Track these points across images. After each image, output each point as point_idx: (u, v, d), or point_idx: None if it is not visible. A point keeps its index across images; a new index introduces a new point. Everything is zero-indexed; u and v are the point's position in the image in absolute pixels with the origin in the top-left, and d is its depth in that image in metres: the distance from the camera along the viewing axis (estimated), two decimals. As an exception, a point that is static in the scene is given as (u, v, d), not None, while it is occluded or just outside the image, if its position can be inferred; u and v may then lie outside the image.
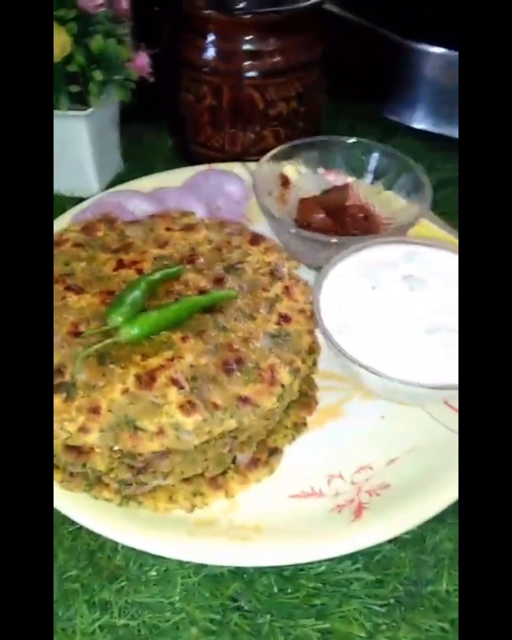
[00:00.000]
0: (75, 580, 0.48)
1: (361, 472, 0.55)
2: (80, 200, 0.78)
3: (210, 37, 0.79)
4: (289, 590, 0.48)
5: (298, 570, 0.49)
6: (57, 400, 0.50)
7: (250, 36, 0.79)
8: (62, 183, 0.81)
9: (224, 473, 0.53)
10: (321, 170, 0.81)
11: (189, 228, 0.66)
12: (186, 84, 0.83)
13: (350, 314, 0.60)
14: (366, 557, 0.50)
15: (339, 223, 0.75)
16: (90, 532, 0.49)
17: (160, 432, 0.48)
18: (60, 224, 0.71)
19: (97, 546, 0.50)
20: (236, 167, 0.83)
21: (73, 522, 0.50)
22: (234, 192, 0.81)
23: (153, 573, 0.48)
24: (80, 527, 0.50)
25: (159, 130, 0.95)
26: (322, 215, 0.75)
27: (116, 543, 0.49)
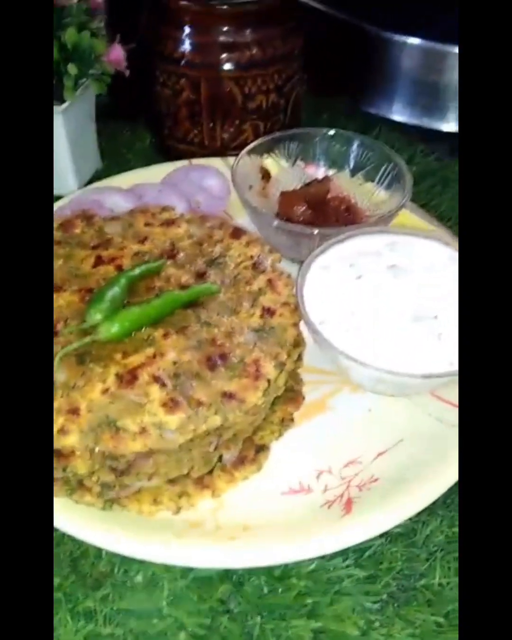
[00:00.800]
0: (57, 589, 0.45)
1: (350, 466, 0.52)
2: (58, 198, 0.74)
3: (186, 29, 0.76)
4: (280, 590, 0.45)
5: (288, 569, 0.46)
6: (35, 402, 0.47)
7: (227, 27, 0.76)
8: (40, 181, 0.77)
9: (210, 472, 0.50)
10: (300, 163, 0.79)
11: (169, 223, 0.63)
12: (163, 78, 0.79)
13: (335, 305, 0.57)
14: (357, 552, 0.47)
15: (321, 216, 0.72)
16: (73, 539, 0.46)
17: (143, 431, 0.46)
18: (37, 222, 0.68)
19: (80, 553, 0.47)
20: (216, 162, 0.80)
21: (55, 529, 0.47)
22: (214, 187, 0.78)
23: (139, 578, 0.45)
24: (63, 534, 0.47)
25: (137, 127, 0.91)
26: (303, 208, 0.72)
27: (100, 548, 0.46)
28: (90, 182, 0.81)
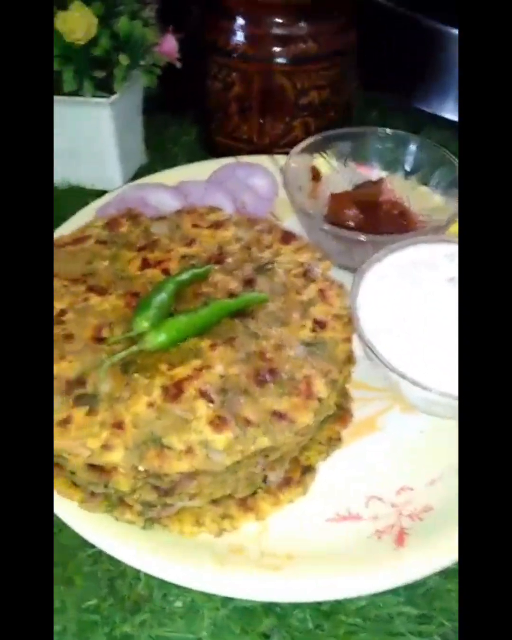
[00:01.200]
0: (94, 611, 0.42)
1: (401, 493, 0.48)
2: (102, 193, 0.71)
3: (239, 21, 0.71)
4: (326, 627, 0.42)
5: (336, 603, 0.43)
6: (79, 414, 0.43)
7: (280, 19, 0.71)
8: (84, 174, 0.74)
9: (254, 493, 0.46)
10: (352, 163, 0.73)
11: (217, 225, 0.59)
12: (214, 71, 0.75)
13: (390, 320, 0.53)
14: (410, 589, 0.43)
15: (372, 220, 0.67)
16: (111, 557, 0.43)
17: (189, 450, 0.42)
18: (82, 217, 0.65)
19: (118, 572, 0.44)
20: (263, 160, 0.76)
21: (93, 545, 0.44)
22: (261, 187, 0.73)
23: (178, 604, 0.42)
24: (101, 551, 0.44)
25: (183, 120, 0.87)
26: (354, 212, 0.68)
27: (138, 569, 0.43)
28: (135, 177, 0.77)
